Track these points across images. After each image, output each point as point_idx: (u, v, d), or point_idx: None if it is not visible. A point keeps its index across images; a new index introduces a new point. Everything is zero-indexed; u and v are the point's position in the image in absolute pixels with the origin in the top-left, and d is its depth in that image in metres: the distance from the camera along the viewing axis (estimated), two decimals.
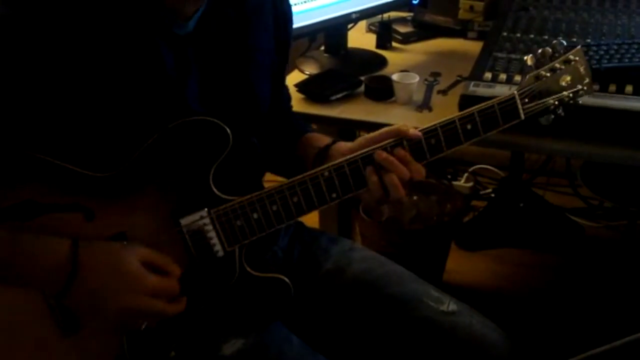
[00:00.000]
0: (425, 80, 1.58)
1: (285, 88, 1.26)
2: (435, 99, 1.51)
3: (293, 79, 1.60)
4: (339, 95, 1.53)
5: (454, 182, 2.52)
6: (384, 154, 0.98)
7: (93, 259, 0.89)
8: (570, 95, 1.06)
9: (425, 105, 1.48)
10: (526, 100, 1.02)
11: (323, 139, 1.13)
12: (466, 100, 1.32)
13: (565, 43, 1.07)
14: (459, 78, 1.57)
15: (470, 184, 2.54)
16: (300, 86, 1.54)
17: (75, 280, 0.88)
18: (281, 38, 1.11)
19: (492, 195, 2.49)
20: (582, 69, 1.06)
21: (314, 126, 1.57)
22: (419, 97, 1.51)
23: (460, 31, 1.90)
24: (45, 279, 0.89)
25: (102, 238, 0.92)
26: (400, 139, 0.99)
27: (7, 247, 0.88)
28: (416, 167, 0.99)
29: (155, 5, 0.92)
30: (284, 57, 1.15)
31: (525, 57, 1.08)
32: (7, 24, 0.86)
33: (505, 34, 1.55)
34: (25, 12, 0.86)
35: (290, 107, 1.28)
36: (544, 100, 1.04)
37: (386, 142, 0.99)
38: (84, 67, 0.89)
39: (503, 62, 1.44)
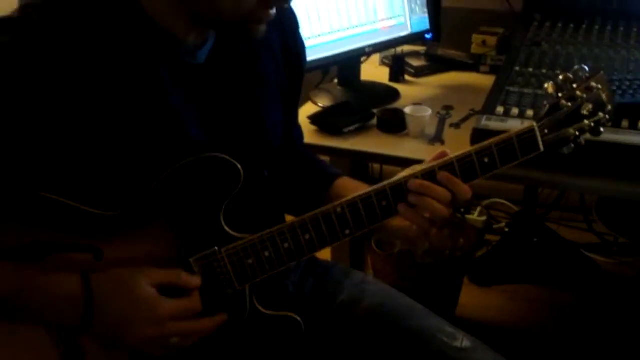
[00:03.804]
0: (438, 113, 1.58)
1: (298, 127, 1.25)
2: (448, 132, 1.52)
3: (306, 111, 1.61)
4: (351, 128, 1.53)
5: (467, 216, 2.50)
6: (418, 180, 0.96)
7: (105, 289, 0.88)
8: (592, 124, 1.01)
9: (437, 139, 1.49)
10: (546, 131, 0.99)
11: (360, 186, 1.08)
12: (478, 134, 1.32)
13: (587, 68, 1.03)
14: (471, 112, 1.58)
15: (483, 218, 2.52)
16: (314, 118, 1.55)
17: (92, 312, 0.87)
18: (294, 73, 1.11)
19: (506, 229, 2.47)
20: (604, 96, 1.01)
21: (327, 158, 1.58)
22: (431, 130, 1.51)
23: (473, 65, 1.91)
24: (60, 313, 0.88)
25: None
26: (433, 170, 0.97)
27: (17, 284, 0.87)
28: (463, 187, 0.97)
29: (160, 33, 0.91)
30: (296, 92, 1.15)
31: (545, 85, 1.04)
32: (8, 52, 0.84)
33: (517, 68, 1.56)
34: (27, 41, 0.84)
35: (303, 145, 1.27)
36: (565, 130, 1.00)
37: (406, 175, 0.98)
38: (87, 99, 0.87)
39: (515, 96, 1.44)
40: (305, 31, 1.44)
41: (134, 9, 0.89)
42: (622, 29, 1.72)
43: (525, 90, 1.46)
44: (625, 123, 1.31)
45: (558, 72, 1.52)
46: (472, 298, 2.19)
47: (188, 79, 0.95)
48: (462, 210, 2.47)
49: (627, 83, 1.38)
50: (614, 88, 1.36)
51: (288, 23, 1.09)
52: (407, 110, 1.51)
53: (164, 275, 0.92)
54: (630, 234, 2.03)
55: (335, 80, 1.79)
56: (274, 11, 0.91)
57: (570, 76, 1.02)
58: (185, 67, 0.95)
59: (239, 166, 0.93)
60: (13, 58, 0.83)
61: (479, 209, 2.55)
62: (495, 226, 2.52)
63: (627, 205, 2.03)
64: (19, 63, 0.83)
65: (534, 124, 0.99)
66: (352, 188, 1.09)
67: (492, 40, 1.92)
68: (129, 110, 0.90)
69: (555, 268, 2.27)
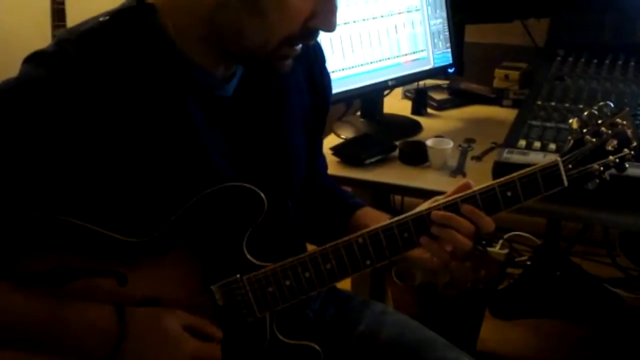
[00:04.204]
0: (460, 146, 1.59)
1: (323, 157, 1.27)
2: (470, 164, 1.53)
3: (329, 142, 1.63)
4: (373, 159, 1.55)
5: (489, 249, 2.49)
6: (440, 212, 0.97)
7: (138, 323, 0.90)
8: (617, 160, 1.01)
9: (459, 171, 1.49)
10: (570, 166, 0.99)
11: (381, 216, 1.10)
12: (500, 167, 1.32)
13: (612, 105, 1.03)
14: (493, 144, 1.59)
15: (505, 251, 2.50)
16: (336, 150, 1.57)
17: (122, 345, 0.89)
18: (319, 107, 1.13)
19: (528, 263, 2.45)
20: (629, 132, 1.01)
21: (349, 189, 1.59)
22: (453, 162, 1.52)
23: (495, 99, 1.92)
24: (92, 346, 0.90)
25: (134, 302, 0.93)
26: (456, 202, 0.98)
27: (49, 315, 0.89)
28: (486, 220, 0.98)
29: (190, 66, 0.93)
30: (320, 125, 1.17)
31: (570, 120, 1.04)
32: (44, 85, 0.87)
33: (540, 102, 1.56)
34: (62, 75, 0.87)
35: (327, 175, 1.29)
36: (589, 166, 1.00)
37: (428, 207, 0.99)
38: (117, 131, 0.89)
39: (538, 130, 1.45)
40: (330, 65, 1.47)
41: (165, 43, 0.92)
42: None
43: (548, 124, 1.47)
44: None
45: (581, 106, 1.53)
46: (493, 332, 2.17)
47: (216, 111, 0.98)
48: (484, 242, 2.46)
49: None
50: (637, 122, 1.37)
51: (314, 58, 1.12)
52: (429, 142, 1.53)
53: (192, 319, 0.94)
54: None
55: (358, 113, 1.82)
56: (299, 47, 0.93)
57: (595, 112, 1.02)
58: (214, 99, 0.97)
59: (263, 195, 0.95)
60: (48, 91, 0.86)
61: (500, 241, 2.53)
62: (517, 259, 2.51)
63: None
64: (53, 96, 0.86)
65: (559, 159, 0.99)
66: (373, 218, 1.10)
67: (514, 75, 1.93)
68: (157, 142, 0.92)
69: (578, 302, 2.24)
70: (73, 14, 2.15)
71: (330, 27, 0.91)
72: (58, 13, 2.10)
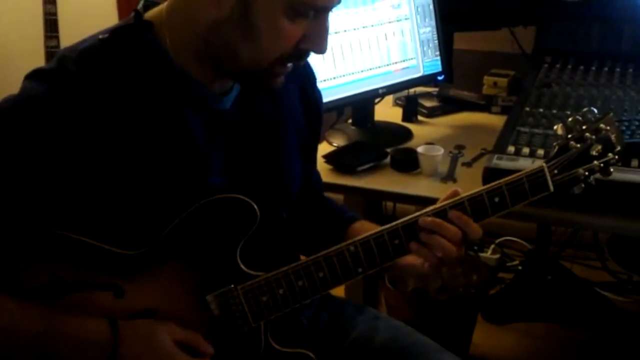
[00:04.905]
0: (450, 152, 1.61)
1: (316, 173, 1.28)
2: (460, 170, 1.54)
3: (321, 150, 1.63)
4: (365, 167, 1.56)
5: (481, 254, 2.51)
6: (429, 218, 0.99)
7: (132, 338, 0.92)
8: (601, 165, 1.02)
9: (449, 177, 1.51)
10: (555, 171, 1.01)
11: (376, 229, 1.10)
12: (490, 173, 1.34)
13: (596, 111, 1.05)
14: (483, 151, 1.60)
15: (497, 256, 2.53)
16: (328, 157, 1.58)
17: (115, 357, 0.91)
18: (312, 122, 1.15)
19: (519, 267, 2.47)
20: (613, 137, 1.03)
21: (341, 196, 1.60)
22: (443, 169, 1.54)
23: (484, 106, 1.94)
24: (86, 357, 0.91)
25: (131, 314, 0.95)
26: (444, 209, 1.00)
27: (45, 328, 0.90)
28: (474, 227, 1.00)
29: (188, 80, 0.95)
30: (314, 139, 1.19)
31: (555, 127, 1.06)
32: (44, 101, 0.88)
33: (528, 109, 1.59)
34: (63, 91, 0.89)
35: (322, 190, 1.30)
36: (574, 171, 1.02)
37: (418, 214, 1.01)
38: (117, 146, 0.91)
39: (526, 136, 1.47)
40: (321, 74, 1.50)
41: (163, 58, 0.94)
42: (630, 70, 1.74)
43: (536, 130, 1.49)
44: (635, 162, 1.33)
45: (568, 112, 1.55)
46: (485, 336, 2.18)
47: (214, 124, 1.00)
48: (476, 248, 2.48)
49: (636, 123, 1.41)
50: (623, 128, 1.39)
51: (307, 77, 1.15)
52: (420, 149, 1.54)
53: (184, 334, 0.95)
54: None
55: (350, 121, 1.83)
56: (290, 65, 0.95)
57: (579, 118, 1.04)
58: (211, 112, 0.99)
59: (255, 207, 0.97)
60: (49, 108, 0.88)
61: (492, 247, 2.56)
62: (508, 264, 2.53)
63: (639, 242, 2.03)
64: (55, 112, 0.88)
65: (544, 164, 1.01)
66: (368, 230, 1.11)
67: (503, 82, 1.96)
68: (157, 155, 0.94)
69: (569, 306, 2.26)
70: (65, 25, 2.16)
71: (320, 49, 0.93)
72: (50, 24, 2.11)
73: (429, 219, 0.99)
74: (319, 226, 1.21)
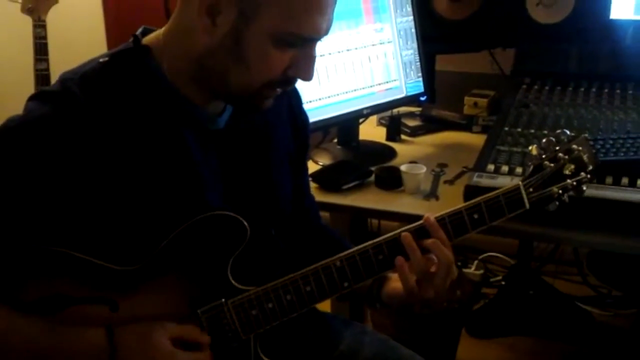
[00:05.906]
0: (432, 170, 1.64)
1: (310, 197, 1.31)
2: (442, 188, 1.57)
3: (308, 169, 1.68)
4: (350, 185, 1.59)
5: (464, 270, 2.54)
6: (406, 234, 1.03)
7: (128, 343, 0.94)
8: (574, 183, 1.07)
9: (432, 195, 1.54)
10: (531, 189, 1.05)
11: None
12: (470, 190, 1.38)
13: (568, 132, 1.09)
14: (464, 169, 1.64)
15: (480, 272, 2.56)
16: (314, 176, 1.61)
17: None
18: (300, 142, 1.20)
19: (502, 282, 2.51)
20: (585, 157, 1.07)
21: (327, 214, 1.63)
22: (426, 186, 1.57)
23: (465, 125, 1.99)
24: None
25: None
26: (424, 226, 1.04)
27: (43, 338, 0.93)
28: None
29: (184, 102, 1.00)
30: (302, 159, 1.23)
31: (529, 147, 1.10)
32: (48, 122, 0.92)
33: (507, 128, 1.63)
34: (66, 112, 0.92)
35: (319, 218, 1.33)
36: (549, 189, 1.06)
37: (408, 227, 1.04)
38: (117, 166, 0.94)
39: (505, 154, 1.51)
40: (307, 94, 1.53)
41: (160, 81, 0.98)
42: (606, 90, 1.79)
43: (515, 149, 1.53)
44: (609, 179, 1.37)
45: (545, 132, 1.59)
46: (470, 351, 2.21)
47: (208, 143, 1.04)
48: (459, 264, 2.52)
49: (611, 142, 1.44)
50: (598, 147, 1.43)
51: (295, 101, 1.20)
52: (403, 167, 1.57)
53: (180, 330, 0.98)
54: (622, 286, 2.07)
55: (335, 140, 1.86)
56: (279, 89, 1.00)
57: (553, 139, 1.09)
58: (206, 132, 1.03)
59: (245, 223, 1.00)
60: (53, 128, 0.91)
61: (475, 262, 2.59)
62: (492, 279, 2.56)
63: (619, 257, 2.07)
64: (59, 133, 0.91)
65: (520, 183, 1.06)
66: None
67: (483, 102, 2.01)
68: (156, 174, 0.97)
69: (551, 320, 2.29)
70: (55, 49, 2.19)
71: (307, 77, 0.98)
72: (40, 47, 2.14)
73: (405, 234, 1.03)
74: (317, 255, 1.24)
